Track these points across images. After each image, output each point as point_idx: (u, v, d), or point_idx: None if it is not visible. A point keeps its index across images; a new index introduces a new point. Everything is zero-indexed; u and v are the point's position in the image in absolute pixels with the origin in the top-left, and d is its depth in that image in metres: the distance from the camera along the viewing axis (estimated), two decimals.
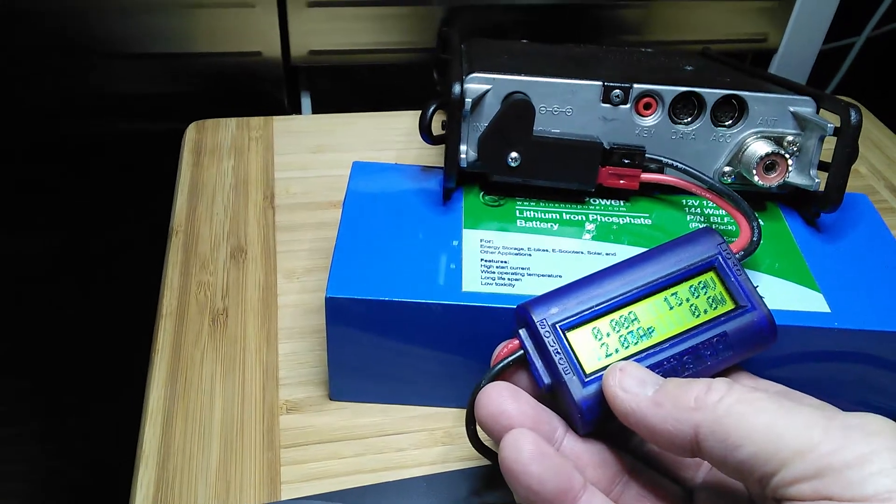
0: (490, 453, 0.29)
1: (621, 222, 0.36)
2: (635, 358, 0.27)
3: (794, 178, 0.35)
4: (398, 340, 0.32)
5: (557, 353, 0.27)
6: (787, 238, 0.36)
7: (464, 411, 0.28)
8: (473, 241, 0.34)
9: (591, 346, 0.27)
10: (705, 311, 0.28)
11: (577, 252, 0.34)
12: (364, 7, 0.53)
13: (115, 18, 0.51)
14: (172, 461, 0.33)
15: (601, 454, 0.27)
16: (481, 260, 0.33)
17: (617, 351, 0.27)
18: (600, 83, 0.34)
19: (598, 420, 0.26)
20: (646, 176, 0.35)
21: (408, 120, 0.53)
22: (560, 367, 0.26)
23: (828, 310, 0.32)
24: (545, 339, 0.27)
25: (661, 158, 0.35)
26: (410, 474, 0.33)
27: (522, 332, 0.28)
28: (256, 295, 0.40)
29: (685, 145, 0.36)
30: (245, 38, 0.53)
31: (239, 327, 0.39)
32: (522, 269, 0.33)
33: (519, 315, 0.28)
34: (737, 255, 0.29)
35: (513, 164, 0.34)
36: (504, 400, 0.26)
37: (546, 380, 0.27)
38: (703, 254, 0.28)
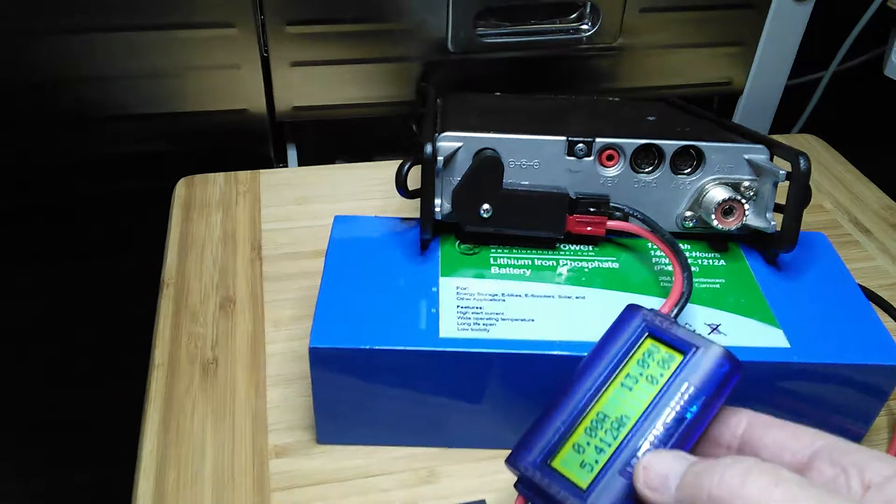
0: None
1: (590, 266, 0.37)
2: (620, 447, 0.27)
3: (752, 221, 0.37)
4: (381, 385, 0.34)
5: (550, 485, 0.27)
6: (748, 277, 0.38)
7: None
8: (450, 289, 0.36)
9: (577, 462, 0.28)
10: (661, 375, 0.28)
11: (548, 296, 0.36)
12: (344, 65, 0.55)
13: (111, 83, 0.53)
14: None
15: None
16: (457, 307, 0.35)
17: (602, 452, 0.28)
18: (565, 138, 0.36)
19: None
20: (611, 223, 0.37)
21: (389, 170, 0.55)
22: (558, 497, 0.27)
23: (787, 345, 0.34)
24: (536, 480, 0.28)
25: (624, 207, 0.37)
26: None
27: (519, 486, 0.29)
28: (245, 344, 0.42)
29: (647, 193, 0.38)
30: (232, 96, 0.55)
31: (229, 376, 0.40)
32: (497, 314, 0.35)
33: (510, 469, 0.29)
34: (671, 314, 0.31)
35: (485, 216, 0.36)
36: None
37: None
38: (635, 330, 0.30)
